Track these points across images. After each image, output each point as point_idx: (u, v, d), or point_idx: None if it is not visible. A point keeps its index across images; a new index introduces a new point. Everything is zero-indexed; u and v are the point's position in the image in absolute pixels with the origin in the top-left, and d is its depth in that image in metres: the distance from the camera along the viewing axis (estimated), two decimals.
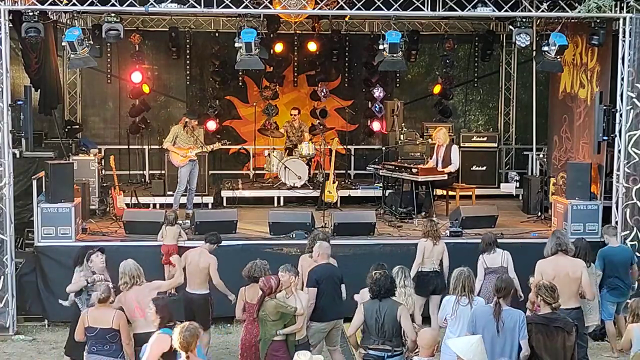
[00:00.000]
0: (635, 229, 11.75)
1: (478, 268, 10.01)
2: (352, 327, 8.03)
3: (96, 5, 11.68)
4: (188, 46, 17.20)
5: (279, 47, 16.77)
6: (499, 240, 10.62)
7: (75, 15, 14.52)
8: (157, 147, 16.55)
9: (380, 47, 12.46)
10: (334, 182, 14.89)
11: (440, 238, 10.74)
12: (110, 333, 7.92)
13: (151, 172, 16.91)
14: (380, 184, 15.01)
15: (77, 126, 16.98)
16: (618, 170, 12.11)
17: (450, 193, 14.68)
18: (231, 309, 8.99)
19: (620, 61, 11.98)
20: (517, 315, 7.48)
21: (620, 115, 11.99)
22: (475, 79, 18.33)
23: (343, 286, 9.25)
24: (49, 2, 11.60)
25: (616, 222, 12.01)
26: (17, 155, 11.95)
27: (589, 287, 9.00)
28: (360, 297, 8.56)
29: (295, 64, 17.66)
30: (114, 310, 8.04)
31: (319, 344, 9.20)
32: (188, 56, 17.33)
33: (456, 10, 11.96)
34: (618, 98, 12.03)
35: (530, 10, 11.96)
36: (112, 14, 11.80)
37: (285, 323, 8.14)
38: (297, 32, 17.25)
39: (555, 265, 8.90)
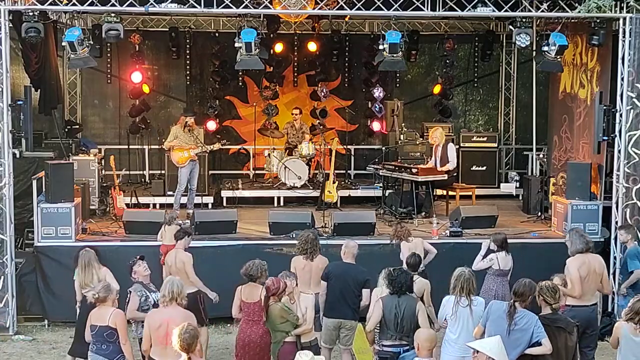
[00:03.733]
0: (635, 229, 11.73)
1: (484, 261, 10.02)
2: (372, 322, 8.07)
3: (96, 5, 11.68)
4: (188, 46, 17.19)
5: (279, 47, 16.78)
6: None
7: (75, 15, 14.54)
8: (157, 147, 16.55)
9: (380, 47, 12.47)
10: (334, 182, 14.89)
11: (408, 237, 10.50)
12: (107, 331, 7.84)
13: (151, 172, 16.91)
14: (380, 184, 15.02)
15: (77, 126, 16.98)
16: (618, 170, 12.11)
17: (450, 193, 14.69)
18: (231, 309, 8.94)
19: (620, 61, 11.98)
20: (531, 318, 7.48)
21: (620, 115, 11.99)
22: (475, 79, 18.33)
23: (366, 291, 9.08)
24: (49, 2, 11.60)
25: (616, 222, 12.02)
26: (17, 155, 11.92)
27: (607, 282, 9.30)
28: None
29: (295, 64, 17.65)
30: (112, 308, 7.98)
31: (332, 347, 9.25)
32: (188, 56, 17.31)
33: (456, 10, 11.96)
34: (618, 98, 12.03)
35: (530, 10, 11.96)
36: (112, 14, 11.79)
37: (293, 325, 8.16)
38: (297, 32, 17.25)
39: (587, 263, 9.08)
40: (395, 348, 7.92)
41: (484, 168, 16.38)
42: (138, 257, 8.98)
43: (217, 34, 16.88)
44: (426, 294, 9.09)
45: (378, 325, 8.06)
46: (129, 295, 8.77)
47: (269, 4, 12.01)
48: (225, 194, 15.36)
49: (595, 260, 9.18)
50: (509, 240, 11.29)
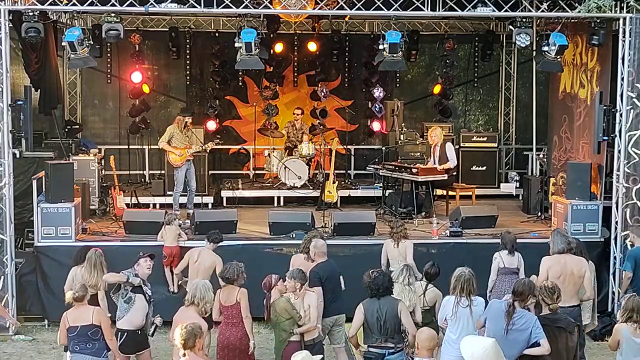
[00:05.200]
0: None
1: (493, 266, 9.95)
2: (354, 327, 8.07)
3: (96, 5, 11.68)
4: (188, 46, 17.19)
5: (279, 47, 16.77)
6: (499, 241, 10.63)
7: (75, 15, 14.54)
8: (157, 147, 16.49)
9: (380, 47, 12.47)
10: (334, 182, 14.89)
11: (402, 239, 10.47)
12: (91, 329, 7.89)
13: (151, 172, 16.91)
14: (380, 184, 15.02)
15: (77, 126, 16.98)
16: (618, 170, 12.11)
17: (450, 193, 14.69)
18: None
19: (620, 61, 11.98)
20: (529, 318, 7.48)
21: (620, 115, 11.99)
22: (475, 79, 18.33)
23: (341, 278, 9.43)
24: (49, 2, 11.60)
25: (616, 222, 12.02)
26: (17, 155, 11.92)
27: (590, 286, 9.16)
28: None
29: (295, 64, 17.65)
30: (91, 307, 8.07)
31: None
32: (188, 56, 17.31)
33: (456, 10, 11.96)
34: (618, 98, 12.03)
35: (530, 10, 11.96)
36: (112, 14, 11.80)
37: (296, 322, 8.18)
38: (297, 32, 17.25)
39: (563, 263, 9.04)
40: (380, 349, 7.92)
41: (484, 168, 16.38)
42: (148, 254, 8.98)
43: (217, 34, 16.87)
44: (438, 304, 8.91)
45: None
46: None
47: (269, 4, 12.01)
48: (225, 194, 15.35)
49: (574, 263, 9.09)
50: None
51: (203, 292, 7.82)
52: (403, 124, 16.22)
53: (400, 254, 10.41)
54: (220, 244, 10.37)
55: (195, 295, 7.76)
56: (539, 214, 14.14)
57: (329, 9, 12.37)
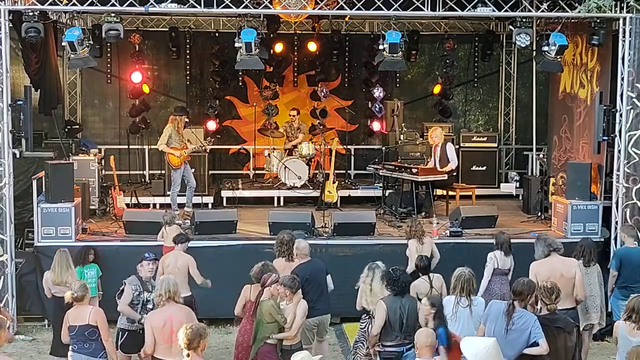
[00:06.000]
0: (635, 229, 11.72)
1: (488, 267, 9.92)
2: (377, 326, 8.02)
3: (96, 5, 11.69)
4: (188, 46, 17.19)
5: (279, 47, 16.77)
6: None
7: (75, 15, 14.54)
8: (157, 147, 16.54)
9: (380, 47, 12.48)
10: (334, 182, 14.90)
11: (424, 236, 10.56)
12: (87, 329, 7.90)
13: (151, 172, 16.91)
14: (380, 184, 15.03)
15: (77, 126, 16.97)
16: (618, 170, 12.12)
17: (450, 193, 14.69)
18: (231, 309, 8.95)
19: (620, 61, 11.99)
20: (529, 318, 7.47)
21: (620, 115, 12.00)
22: (475, 79, 18.32)
23: (329, 277, 9.41)
24: (49, 2, 11.60)
25: (616, 222, 12.01)
26: (17, 155, 11.93)
27: (581, 287, 9.14)
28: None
29: (295, 64, 17.65)
30: (90, 306, 8.07)
31: (311, 344, 9.25)
32: (188, 56, 17.32)
33: (456, 10, 11.96)
34: (618, 98, 12.04)
35: (530, 10, 11.97)
36: (112, 14, 11.81)
37: (280, 327, 8.17)
38: (297, 32, 17.25)
39: (550, 267, 9.02)
40: (399, 347, 7.93)
41: (484, 168, 16.38)
42: (154, 257, 8.98)
43: (217, 34, 16.88)
44: (444, 290, 8.99)
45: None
46: (122, 287, 8.80)
47: (269, 4, 12.01)
48: (225, 194, 15.35)
49: (563, 265, 9.08)
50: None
51: (175, 285, 7.73)
52: (403, 124, 16.22)
53: (426, 251, 10.34)
54: (188, 242, 10.27)
55: (170, 290, 7.63)
56: (539, 214, 14.14)
57: (329, 9, 12.37)
